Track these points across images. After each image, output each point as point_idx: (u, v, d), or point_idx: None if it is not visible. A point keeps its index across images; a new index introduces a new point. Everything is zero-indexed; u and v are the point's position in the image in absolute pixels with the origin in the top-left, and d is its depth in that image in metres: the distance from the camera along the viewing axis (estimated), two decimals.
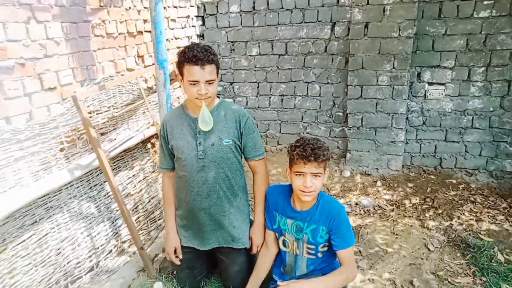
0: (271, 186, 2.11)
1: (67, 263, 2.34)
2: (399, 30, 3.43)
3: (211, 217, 2.08)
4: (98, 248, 2.56)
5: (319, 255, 1.95)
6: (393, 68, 3.55)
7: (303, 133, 4.24)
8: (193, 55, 1.80)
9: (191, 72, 1.83)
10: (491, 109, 3.47)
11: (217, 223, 2.09)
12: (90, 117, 2.55)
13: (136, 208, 2.93)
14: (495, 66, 3.38)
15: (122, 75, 2.90)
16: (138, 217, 2.92)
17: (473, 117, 3.54)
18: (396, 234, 2.90)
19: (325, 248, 1.95)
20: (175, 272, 2.38)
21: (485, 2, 3.26)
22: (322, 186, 1.88)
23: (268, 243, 2.11)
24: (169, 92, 2.35)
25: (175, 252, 2.21)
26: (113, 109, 2.78)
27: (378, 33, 3.51)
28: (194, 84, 1.85)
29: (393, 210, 3.23)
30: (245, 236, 2.15)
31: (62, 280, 2.31)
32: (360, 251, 2.74)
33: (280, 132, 4.33)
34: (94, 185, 2.59)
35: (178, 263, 2.20)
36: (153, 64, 2.64)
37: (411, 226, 2.98)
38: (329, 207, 1.85)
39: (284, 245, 2.04)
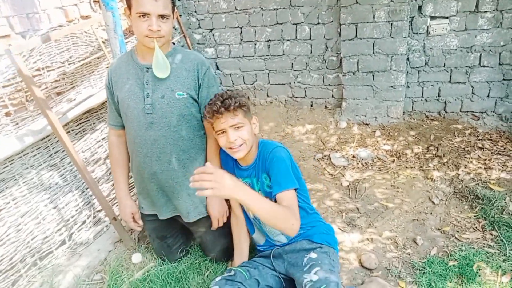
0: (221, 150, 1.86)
1: (32, 239, 2.10)
2: None
3: (163, 183, 1.81)
4: (68, 220, 2.31)
5: None
6: (391, 1, 3.12)
7: (294, 82, 3.86)
8: None
9: (141, 2, 1.52)
10: (502, 43, 3.08)
11: (170, 190, 1.83)
12: (40, 74, 2.19)
13: (109, 173, 2.64)
14: None
15: (75, 24, 2.48)
16: (113, 183, 2.65)
17: (481, 54, 3.16)
18: (397, 188, 2.64)
19: None
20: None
21: None
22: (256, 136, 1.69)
23: (234, 208, 1.89)
24: (122, 38, 1.97)
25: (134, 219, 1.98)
26: (68, 64, 2.40)
27: None
28: (144, 17, 1.52)
29: (393, 161, 2.96)
30: (203, 204, 1.90)
31: (29, 257, 2.08)
32: (357, 208, 2.50)
33: (268, 83, 3.95)
34: (55, 152, 2.29)
35: (139, 229, 1.99)
36: None
37: (414, 178, 2.72)
38: (265, 151, 1.64)
39: (243, 208, 1.83)
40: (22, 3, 2.10)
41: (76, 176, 2.39)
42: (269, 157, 1.60)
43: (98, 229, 2.43)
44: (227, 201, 1.93)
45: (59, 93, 2.36)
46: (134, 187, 2.13)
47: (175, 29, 3.81)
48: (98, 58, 2.63)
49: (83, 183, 2.40)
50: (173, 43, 1.83)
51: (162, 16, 1.57)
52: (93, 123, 2.59)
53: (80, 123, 2.50)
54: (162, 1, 1.53)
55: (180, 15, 3.83)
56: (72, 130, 2.43)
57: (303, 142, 3.44)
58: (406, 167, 2.85)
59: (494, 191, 2.39)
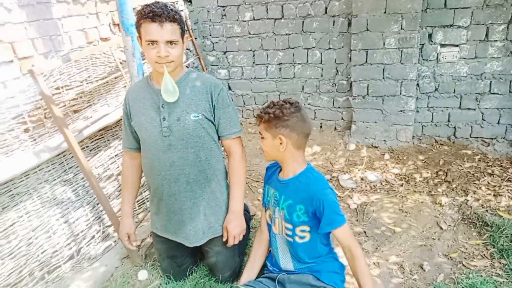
0: (270, 164, 1.91)
1: (42, 252, 2.15)
2: None
3: (181, 204, 1.84)
4: (78, 234, 2.36)
5: (297, 239, 1.71)
6: (401, 29, 3.19)
7: (304, 104, 3.92)
8: (151, 11, 1.57)
9: (148, 30, 1.59)
10: None
11: (187, 212, 1.86)
12: (59, 93, 2.29)
13: (120, 189, 2.70)
14: None
15: (95, 45, 2.60)
16: None
17: (491, 81, 3.18)
18: (405, 212, 2.63)
19: (306, 236, 1.69)
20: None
21: None
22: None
23: (262, 227, 1.90)
24: (140, 61, 2.06)
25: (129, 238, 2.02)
26: (87, 83, 2.51)
27: None
28: (153, 44, 1.59)
29: (402, 185, 2.95)
30: (220, 223, 1.92)
31: (37, 270, 2.12)
32: (365, 232, 2.49)
33: None
34: (69, 168, 2.36)
35: (133, 248, 2.03)
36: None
37: (422, 202, 2.71)
38: (308, 183, 1.64)
39: (270, 219, 1.85)
40: (46, 26, 2.22)
41: (88, 191, 2.45)
42: (317, 196, 1.59)
43: (107, 244, 2.47)
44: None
45: (76, 110, 2.46)
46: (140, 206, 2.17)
47: (190, 50, 3.94)
48: (115, 78, 2.73)
49: (94, 198, 2.46)
50: (187, 67, 1.90)
51: (171, 42, 1.63)
52: (108, 140, 2.67)
53: (95, 140, 2.58)
54: (169, 28, 1.60)
55: (196, 38, 3.96)
56: (87, 147, 2.51)
57: (312, 163, 3.44)
58: (415, 192, 2.85)
59: (503, 219, 2.36)
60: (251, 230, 2.40)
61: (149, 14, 1.58)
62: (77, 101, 2.45)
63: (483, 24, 3.08)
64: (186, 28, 1.74)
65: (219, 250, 1.97)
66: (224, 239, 1.93)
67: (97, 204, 2.49)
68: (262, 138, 1.67)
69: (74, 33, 2.44)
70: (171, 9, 1.62)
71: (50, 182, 2.23)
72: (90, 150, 2.54)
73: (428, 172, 3.04)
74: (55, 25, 2.29)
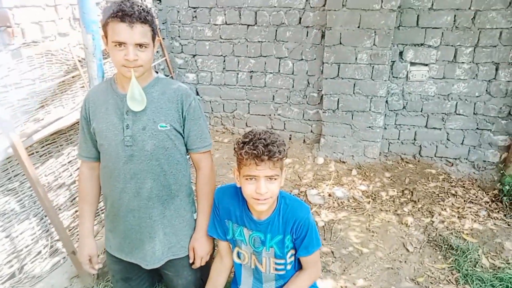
0: (220, 188, 1.70)
1: None
2: (382, 1, 3.04)
3: (140, 221, 1.68)
4: (21, 250, 2.11)
5: (288, 267, 1.63)
6: (374, 45, 3.18)
7: (274, 114, 3.84)
8: (119, 10, 1.40)
9: (116, 31, 1.43)
10: (477, 94, 3.18)
11: (146, 230, 1.70)
12: (7, 91, 2.05)
13: (73, 200, 2.47)
14: (483, 46, 3.06)
15: (52, 40, 2.36)
16: (76, 211, 2.47)
17: (457, 102, 3.25)
18: (372, 232, 2.60)
19: (292, 258, 1.63)
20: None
21: None
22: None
23: (222, 253, 1.74)
24: (101, 62, 1.87)
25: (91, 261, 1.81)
26: (40, 82, 2.27)
27: (358, 4, 3.11)
28: (120, 46, 1.43)
29: (369, 202, 2.93)
30: (182, 244, 1.77)
31: None
32: (332, 252, 2.43)
33: (248, 112, 3.91)
34: (15, 176, 2.11)
35: (94, 272, 1.82)
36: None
37: (388, 222, 2.69)
38: (292, 212, 1.52)
39: (239, 257, 1.70)
40: None
41: (35, 202, 2.21)
42: (301, 223, 1.49)
43: (55, 260, 2.24)
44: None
45: (26, 111, 2.21)
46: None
47: (157, 52, 3.74)
48: (73, 77, 2.51)
49: (42, 209, 2.22)
50: (156, 72, 1.75)
51: (140, 45, 1.48)
52: (60, 145, 2.44)
53: (46, 145, 2.34)
54: (140, 29, 1.45)
55: (163, 39, 3.77)
56: (37, 152, 2.27)
57: None
58: (381, 210, 2.83)
59: (467, 242, 2.39)
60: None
61: (118, 13, 1.42)
62: (28, 101, 2.21)
63: (452, 45, 3.14)
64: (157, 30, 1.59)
65: (180, 273, 1.82)
66: (191, 260, 1.78)
67: (45, 216, 2.25)
68: (272, 179, 1.39)
69: (27, 26, 2.20)
70: (142, 9, 1.46)
71: None
72: (40, 156, 2.30)
73: (394, 191, 3.04)
74: (5, 16, 2.04)
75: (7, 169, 2.07)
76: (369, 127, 3.41)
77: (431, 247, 2.43)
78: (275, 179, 1.39)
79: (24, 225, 2.14)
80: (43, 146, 2.32)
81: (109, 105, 1.62)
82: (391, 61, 3.28)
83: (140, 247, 1.74)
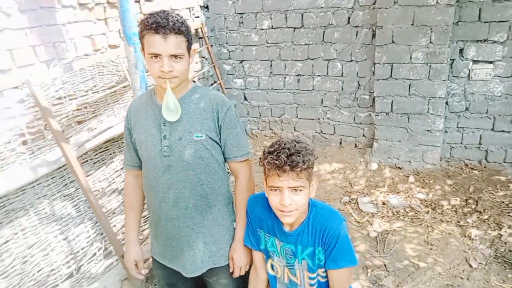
0: (252, 196, 1.64)
1: (38, 271, 2.02)
2: None
3: (179, 230, 1.66)
4: (78, 252, 2.23)
5: (321, 279, 1.52)
6: (430, 42, 2.96)
7: (323, 118, 3.72)
8: (154, 22, 1.38)
9: (151, 43, 1.42)
10: None
11: (186, 239, 1.68)
12: (61, 103, 2.17)
13: None
14: None
15: (102, 53, 2.47)
16: None
17: None
18: (431, 244, 2.40)
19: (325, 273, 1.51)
20: None
21: None
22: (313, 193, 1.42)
23: (256, 265, 1.68)
24: (143, 74, 1.91)
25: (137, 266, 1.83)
26: (92, 93, 2.38)
27: (411, 0, 2.91)
28: (156, 58, 1.44)
29: (428, 212, 2.71)
30: (223, 253, 1.73)
31: None
32: (385, 265, 2.27)
33: (296, 117, 3.83)
34: (71, 182, 2.23)
35: (141, 277, 1.83)
36: None
37: (450, 234, 2.47)
38: (322, 221, 1.42)
39: (273, 269, 1.62)
40: (49, 32, 2.10)
41: (89, 206, 2.31)
42: (330, 233, 1.39)
43: (108, 262, 2.33)
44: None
45: (80, 121, 2.33)
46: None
47: (205, 59, 3.80)
48: (124, 87, 2.60)
49: None
50: (194, 81, 1.74)
51: (175, 56, 1.47)
52: (113, 153, 2.54)
53: (100, 152, 2.45)
54: (174, 40, 1.43)
55: (212, 46, 3.82)
56: (91, 159, 2.38)
57: (329, 182, 3.25)
58: (442, 221, 2.60)
59: None
60: None
61: (152, 25, 1.42)
62: (81, 112, 2.32)
63: None
64: (193, 41, 1.58)
65: (220, 282, 1.79)
66: (231, 270, 1.75)
67: None
68: (298, 191, 1.33)
69: (79, 40, 2.32)
70: (177, 20, 1.45)
71: (49, 197, 2.10)
72: (94, 163, 2.41)
73: (456, 200, 2.79)
74: (59, 32, 2.17)
75: (63, 176, 2.18)
76: (428, 130, 3.17)
77: (498, 263, 2.18)
78: (301, 190, 1.32)
79: (79, 228, 2.24)
80: (97, 154, 2.43)
81: (148, 116, 1.64)
82: (451, 60, 3.03)
83: (180, 255, 1.74)
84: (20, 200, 1.96)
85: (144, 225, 2.62)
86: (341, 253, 1.39)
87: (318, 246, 1.43)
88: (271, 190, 1.35)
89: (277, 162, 1.28)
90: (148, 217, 2.61)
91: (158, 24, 1.39)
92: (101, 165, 2.46)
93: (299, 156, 1.27)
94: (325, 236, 1.39)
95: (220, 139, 1.64)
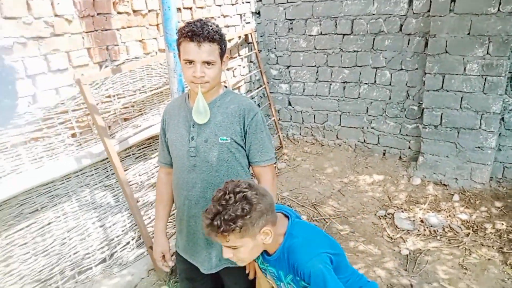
0: None
1: (74, 253, 2.23)
2: (499, 3, 2.62)
3: (200, 228, 1.75)
4: (113, 239, 2.42)
5: None
6: (487, 53, 2.76)
7: (367, 127, 3.62)
8: (190, 30, 1.50)
9: (186, 50, 1.54)
10: None
11: (206, 236, 1.76)
12: (110, 101, 2.38)
13: None
14: None
15: (152, 56, 2.66)
16: None
17: None
18: (466, 269, 2.25)
19: None
20: None
21: None
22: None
23: (259, 275, 1.71)
24: (181, 78, 2.03)
25: (164, 258, 1.94)
26: (140, 93, 2.57)
27: (468, 8, 2.74)
28: (190, 64, 1.55)
29: (468, 235, 2.54)
30: None
31: (68, 270, 2.21)
32: (411, 285, 2.18)
33: (340, 124, 3.77)
34: (112, 174, 2.43)
35: (167, 270, 1.94)
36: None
37: (489, 260, 2.30)
38: (292, 256, 1.37)
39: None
40: (104, 36, 2.32)
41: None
42: (300, 270, 1.32)
43: (139, 252, 2.50)
44: None
45: (127, 118, 2.53)
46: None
47: (253, 63, 3.89)
48: (169, 88, 2.77)
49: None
50: (225, 86, 1.83)
51: (208, 63, 1.57)
52: (155, 149, 2.71)
53: (142, 148, 2.64)
54: (207, 48, 1.54)
55: (260, 51, 3.90)
56: (133, 154, 2.57)
57: (367, 194, 3.17)
58: (482, 245, 2.43)
59: None
60: None
61: (188, 33, 1.55)
62: (128, 110, 2.52)
63: None
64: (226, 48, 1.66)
65: (237, 281, 1.86)
66: (247, 271, 1.80)
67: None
68: (234, 248, 1.30)
69: (131, 44, 2.52)
70: (211, 29, 1.56)
71: (91, 186, 2.31)
72: (136, 158, 2.60)
73: (503, 224, 2.58)
74: (113, 36, 2.38)
75: (106, 167, 2.39)
76: (479, 147, 2.96)
77: None
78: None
79: (116, 217, 2.44)
80: (140, 149, 2.62)
81: (180, 118, 1.75)
82: (510, 73, 2.80)
83: (200, 252, 1.83)
84: (64, 187, 2.18)
85: (173, 220, 2.77)
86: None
87: (296, 276, 1.39)
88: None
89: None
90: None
91: (194, 32, 1.51)
92: (142, 160, 2.65)
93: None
94: (298, 271, 1.34)
95: (245, 143, 1.71)
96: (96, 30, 2.26)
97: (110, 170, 2.41)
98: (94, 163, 2.26)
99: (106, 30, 2.33)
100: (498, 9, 2.64)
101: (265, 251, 1.46)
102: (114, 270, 2.37)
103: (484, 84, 2.82)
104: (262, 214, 1.28)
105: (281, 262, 1.41)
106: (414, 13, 3.12)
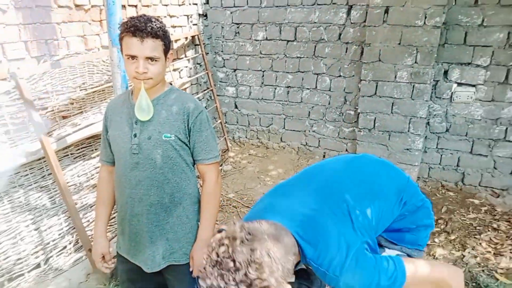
0: None
1: (4, 259, 2.09)
2: (425, 17, 2.89)
3: (143, 226, 1.74)
4: (48, 243, 2.30)
5: None
6: (415, 62, 3.03)
7: (309, 131, 3.79)
8: (133, 25, 1.49)
9: (129, 45, 1.52)
10: None
11: (149, 234, 1.75)
12: (48, 97, 2.28)
13: None
14: None
15: (94, 52, 2.59)
16: None
17: (507, 128, 2.96)
18: None
19: None
20: None
21: None
22: None
23: None
24: (124, 74, 2.01)
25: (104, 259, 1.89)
26: (80, 90, 2.49)
27: (400, 20, 2.99)
28: (132, 59, 1.54)
29: None
30: (184, 251, 1.79)
31: None
32: None
33: (284, 128, 3.91)
34: (49, 174, 2.32)
35: (107, 271, 1.90)
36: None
37: None
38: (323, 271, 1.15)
39: None
40: (43, 30, 2.22)
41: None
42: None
43: (78, 256, 2.40)
44: None
45: (65, 116, 2.44)
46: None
47: (200, 65, 3.91)
48: (112, 87, 2.71)
49: None
50: (170, 84, 1.83)
51: (151, 59, 1.56)
52: (95, 149, 2.63)
53: (81, 148, 2.55)
54: (150, 44, 1.53)
55: (207, 53, 3.94)
56: (72, 154, 2.48)
57: None
58: None
59: (499, 283, 2.14)
60: None
61: (131, 28, 1.52)
62: (67, 107, 2.43)
63: (503, 66, 2.88)
64: (171, 46, 1.67)
65: (181, 279, 1.85)
66: (191, 269, 1.81)
67: None
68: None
69: (72, 39, 2.44)
70: (155, 25, 1.55)
71: (25, 187, 2.19)
72: (75, 158, 2.50)
73: None
74: (53, 30, 2.29)
75: (42, 167, 2.28)
76: (407, 149, 3.23)
77: None
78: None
79: (53, 220, 2.33)
80: (78, 149, 2.53)
81: (123, 114, 1.73)
82: (434, 80, 3.10)
83: (143, 251, 1.81)
84: None
85: (114, 223, 2.71)
86: None
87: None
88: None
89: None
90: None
91: (136, 27, 1.49)
92: (81, 160, 2.56)
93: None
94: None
95: (189, 141, 1.73)
96: (35, 23, 2.17)
97: (47, 170, 2.30)
98: (29, 162, 2.15)
99: (45, 23, 2.23)
100: (424, 22, 2.92)
101: None
102: (49, 276, 2.26)
103: (413, 90, 3.09)
104: None
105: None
106: (351, 23, 3.34)
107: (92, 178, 2.60)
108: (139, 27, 1.52)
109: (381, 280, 1.11)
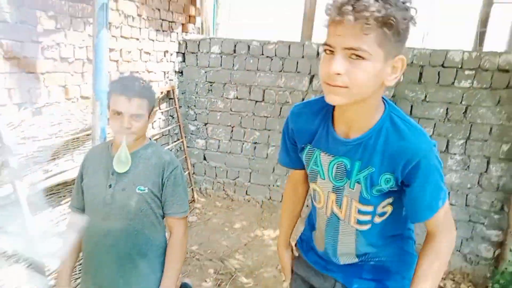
0: (296, 106, 1.27)
1: None
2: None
3: (108, 277, 1.79)
4: None
5: (376, 220, 1.14)
6: None
7: (273, 185, 3.99)
8: (122, 85, 1.65)
9: (116, 102, 1.66)
10: (469, 185, 3.23)
11: (114, 285, 1.80)
12: (24, 143, 2.35)
13: None
14: (475, 139, 3.19)
15: (73, 102, 2.72)
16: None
17: (448, 193, 3.29)
18: None
19: (387, 211, 1.13)
20: None
21: (466, 72, 3.13)
22: None
23: (296, 182, 1.44)
24: (104, 126, 2.15)
25: None
26: (56, 137, 2.58)
27: None
28: (118, 115, 1.67)
29: None
30: None
31: None
32: None
33: (249, 181, 4.09)
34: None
35: None
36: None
37: None
38: (405, 140, 1.02)
39: (315, 199, 1.25)
40: (27, 79, 2.35)
41: None
42: (419, 162, 1.00)
43: None
44: None
45: (38, 162, 2.49)
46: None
47: (173, 117, 4.10)
48: (87, 135, 2.81)
49: None
50: (150, 139, 1.98)
51: (136, 115, 1.71)
52: (64, 196, 2.67)
53: (50, 194, 2.58)
54: (137, 102, 1.67)
55: (180, 107, 4.15)
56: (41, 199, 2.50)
57: (270, 248, 3.42)
58: None
59: None
60: None
61: (120, 87, 1.67)
62: (41, 153, 2.49)
63: (444, 136, 3.27)
64: (155, 104, 1.83)
65: None
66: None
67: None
68: (357, 57, 0.92)
69: (54, 88, 2.57)
70: (143, 86, 1.70)
71: None
72: (44, 204, 2.53)
73: None
74: (37, 79, 2.42)
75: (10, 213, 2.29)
76: None
77: None
78: (363, 58, 0.95)
79: (14, 267, 2.30)
80: (47, 195, 2.56)
81: (101, 164, 1.83)
82: None
83: None
84: None
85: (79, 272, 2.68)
86: (435, 194, 1.04)
87: (387, 173, 1.05)
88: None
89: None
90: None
91: (126, 87, 1.64)
92: (49, 206, 2.58)
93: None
94: (405, 161, 1.02)
95: (161, 195, 1.84)
96: (20, 72, 2.30)
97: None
98: None
99: (30, 73, 2.37)
100: None
101: (338, 136, 1.10)
102: None
103: None
104: (406, 37, 0.97)
105: (367, 150, 1.06)
106: (313, 90, 3.70)
107: (56, 226, 2.61)
108: (128, 87, 1.68)
109: (442, 183, 1.05)
